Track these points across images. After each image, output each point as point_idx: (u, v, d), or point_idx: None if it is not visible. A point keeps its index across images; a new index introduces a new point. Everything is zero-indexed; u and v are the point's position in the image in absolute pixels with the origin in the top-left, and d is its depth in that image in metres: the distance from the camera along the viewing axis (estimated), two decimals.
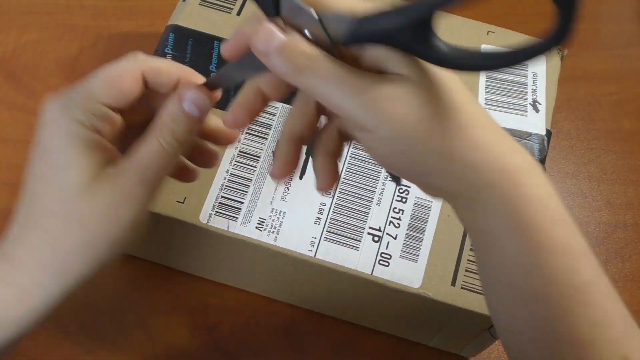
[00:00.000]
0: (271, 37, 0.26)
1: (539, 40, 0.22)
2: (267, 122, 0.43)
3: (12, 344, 0.29)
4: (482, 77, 0.46)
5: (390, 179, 0.41)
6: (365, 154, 0.42)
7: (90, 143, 0.29)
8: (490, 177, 0.25)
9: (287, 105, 0.44)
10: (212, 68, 0.45)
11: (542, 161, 0.44)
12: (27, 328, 0.29)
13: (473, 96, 0.27)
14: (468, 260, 0.40)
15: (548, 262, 0.26)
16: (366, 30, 0.25)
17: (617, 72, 0.61)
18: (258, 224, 0.40)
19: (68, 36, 0.59)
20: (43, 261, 0.28)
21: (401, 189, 0.41)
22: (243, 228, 0.40)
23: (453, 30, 0.48)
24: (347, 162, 0.42)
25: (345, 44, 0.26)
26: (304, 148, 0.32)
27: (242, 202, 0.41)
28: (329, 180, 0.31)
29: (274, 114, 0.43)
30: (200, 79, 0.32)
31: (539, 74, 0.47)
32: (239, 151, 0.42)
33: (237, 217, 0.40)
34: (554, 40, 0.22)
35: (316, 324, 0.48)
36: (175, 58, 0.45)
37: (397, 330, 0.48)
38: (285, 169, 0.31)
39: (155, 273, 0.49)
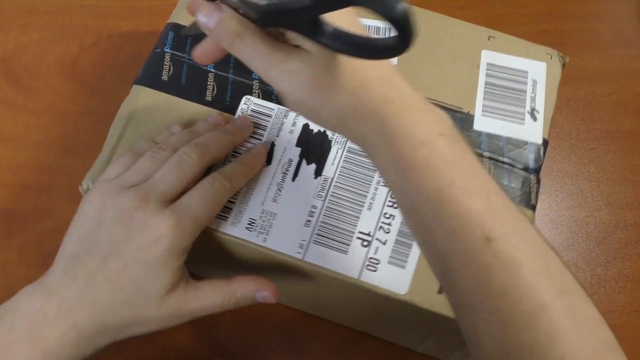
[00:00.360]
0: (210, 14, 0.33)
1: (393, 45, 0.28)
2: (262, 124, 0.43)
3: None
4: (481, 84, 0.45)
5: None
6: (359, 158, 0.42)
7: (181, 267, 0.37)
8: (370, 128, 0.32)
9: (283, 107, 0.44)
10: (209, 68, 0.45)
11: (537, 171, 0.43)
12: None
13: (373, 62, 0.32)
14: None
15: (413, 178, 0.31)
16: (269, 16, 0.31)
17: (617, 72, 0.61)
18: (248, 224, 0.40)
19: (68, 36, 0.59)
20: (95, 330, 0.35)
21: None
22: (233, 228, 0.40)
23: (454, 33, 0.47)
24: (340, 165, 0.42)
25: (262, 26, 0.32)
26: None
27: (234, 202, 0.40)
28: (206, 60, 0.36)
29: (269, 115, 0.43)
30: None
31: (539, 81, 0.46)
32: (233, 151, 0.42)
33: (227, 217, 0.40)
34: (399, 51, 0.28)
35: (315, 324, 0.48)
36: (173, 56, 0.45)
37: (386, 334, 0.48)
38: (206, 59, 0.36)
39: None
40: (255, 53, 0.32)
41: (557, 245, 0.53)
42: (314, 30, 0.30)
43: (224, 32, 0.33)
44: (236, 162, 0.41)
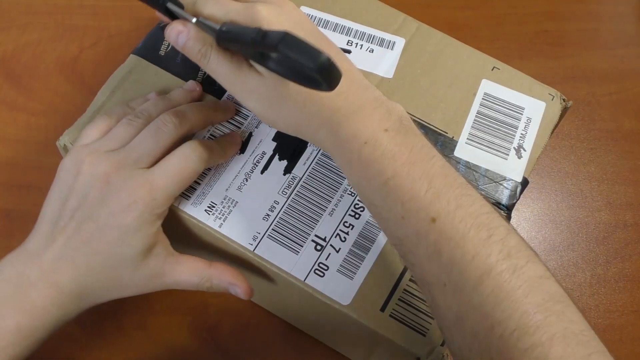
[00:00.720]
0: (178, 33, 0.36)
1: (318, 82, 0.31)
2: (244, 113, 0.43)
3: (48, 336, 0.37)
4: (473, 112, 0.44)
5: None
6: (331, 163, 0.42)
7: (155, 233, 0.37)
8: (323, 137, 0.36)
9: None
10: None
11: (510, 208, 0.42)
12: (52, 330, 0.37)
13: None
14: (404, 290, 0.39)
15: (363, 175, 0.34)
16: (222, 39, 0.35)
17: (617, 72, 0.61)
18: (208, 207, 0.40)
19: (68, 36, 0.59)
20: (76, 291, 0.37)
21: (357, 204, 0.41)
22: (193, 208, 0.40)
23: (458, 57, 0.46)
24: (311, 167, 0.42)
25: (218, 44, 0.36)
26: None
27: (199, 184, 0.41)
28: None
29: None
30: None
31: (533, 120, 0.44)
32: (210, 134, 0.43)
33: (189, 196, 0.41)
34: (326, 90, 0.31)
35: None
36: None
37: (334, 344, 0.47)
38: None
39: None
40: (219, 71, 0.37)
41: (557, 245, 0.53)
42: (261, 55, 0.34)
43: (190, 51, 0.37)
44: (214, 140, 0.41)
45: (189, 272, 0.38)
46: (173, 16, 0.37)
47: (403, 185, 0.32)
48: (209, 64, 0.36)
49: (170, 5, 0.36)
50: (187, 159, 0.38)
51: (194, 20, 0.36)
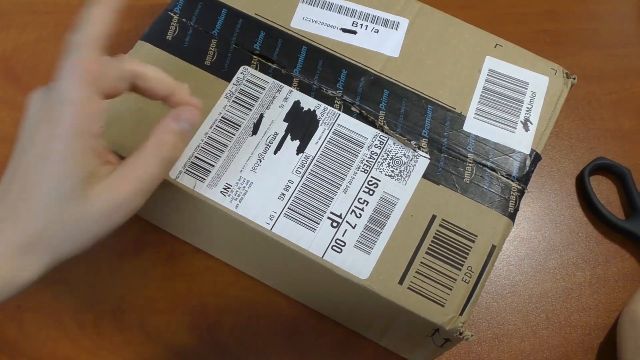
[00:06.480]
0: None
1: None
2: (254, 94, 0.44)
3: None
4: (479, 88, 0.45)
5: None
6: (343, 141, 0.43)
7: (91, 148, 0.32)
8: None
9: (277, 81, 0.44)
10: (214, 33, 0.46)
11: (520, 180, 0.42)
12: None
13: None
14: (421, 262, 0.39)
15: None
16: None
17: (617, 72, 0.61)
18: (224, 188, 0.41)
19: (68, 36, 0.59)
20: (25, 242, 0.31)
21: (371, 180, 0.42)
22: (208, 190, 0.41)
23: (462, 36, 0.47)
24: (324, 146, 0.42)
25: None
26: None
27: (213, 166, 0.41)
28: None
29: (263, 88, 0.44)
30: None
31: (538, 94, 0.46)
32: (222, 117, 0.43)
33: (204, 179, 0.41)
34: None
35: (316, 324, 0.48)
36: (181, 19, 0.46)
37: (348, 322, 0.48)
38: None
39: (155, 272, 0.49)
40: None
41: (557, 244, 0.53)
42: None
43: None
44: None
45: (140, 162, 0.33)
46: None
47: None
48: None
49: None
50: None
51: None
